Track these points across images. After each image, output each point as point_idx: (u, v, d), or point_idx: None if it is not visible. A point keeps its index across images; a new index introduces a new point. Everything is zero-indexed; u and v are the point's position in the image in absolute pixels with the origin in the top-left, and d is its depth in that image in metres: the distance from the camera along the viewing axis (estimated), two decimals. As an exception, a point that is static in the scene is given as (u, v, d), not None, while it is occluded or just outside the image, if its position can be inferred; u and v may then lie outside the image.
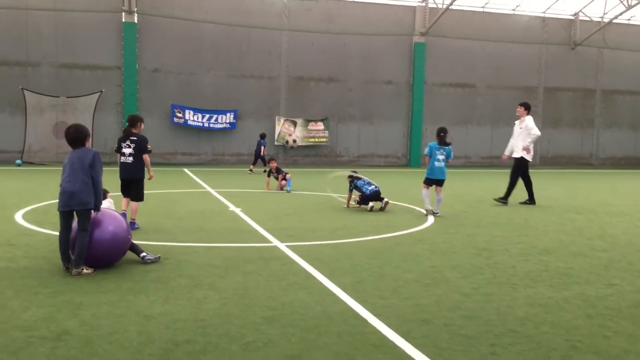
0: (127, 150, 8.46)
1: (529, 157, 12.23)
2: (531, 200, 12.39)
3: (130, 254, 6.43)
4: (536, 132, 12.16)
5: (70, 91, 22.01)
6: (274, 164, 14.61)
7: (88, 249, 5.89)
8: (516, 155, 12.29)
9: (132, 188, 8.52)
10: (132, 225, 8.22)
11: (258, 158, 20.28)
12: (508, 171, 12.89)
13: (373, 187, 11.06)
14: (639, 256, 7.37)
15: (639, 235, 8.95)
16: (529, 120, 12.24)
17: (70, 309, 4.75)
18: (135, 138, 8.49)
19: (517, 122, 12.54)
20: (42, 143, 21.85)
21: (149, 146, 8.57)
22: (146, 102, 22.97)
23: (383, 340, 4.23)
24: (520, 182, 12.42)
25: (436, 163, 10.42)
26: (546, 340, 4.32)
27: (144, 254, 6.37)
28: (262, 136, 20.83)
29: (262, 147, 20.25)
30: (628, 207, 12.37)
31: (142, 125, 8.74)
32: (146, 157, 8.50)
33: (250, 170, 20.02)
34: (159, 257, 6.46)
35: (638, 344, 4.28)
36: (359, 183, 11.27)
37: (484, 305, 5.13)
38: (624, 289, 5.78)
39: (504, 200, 12.25)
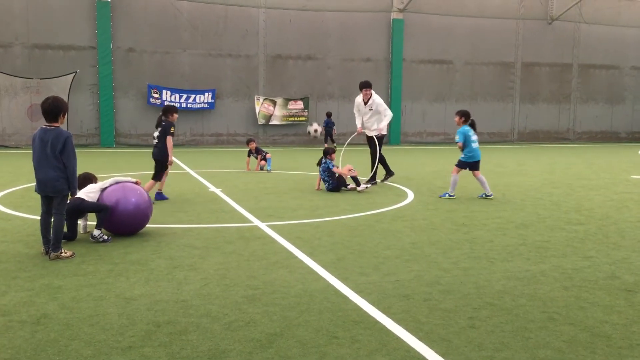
0: (155, 134, 9.52)
1: (384, 131, 11.72)
2: (373, 179, 11.64)
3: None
4: (389, 113, 11.60)
5: (44, 72, 21.57)
6: (253, 145, 14.54)
7: (114, 219, 6.53)
8: (371, 134, 11.60)
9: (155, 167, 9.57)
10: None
11: (329, 136, 22.02)
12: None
13: (327, 184, 10.60)
14: (615, 229, 7.51)
15: (614, 208, 9.11)
16: (377, 99, 11.56)
17: (50, 293, 4.72)
18: (163, 124, 9.42)
19: (361, 101, 11.63)
20: (16, 126, 21.47)
21: (172, 129, 9.41)
22: (122, 83, 22.63)
23: (364, 316, 4.28)
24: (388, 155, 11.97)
25: (474, 145, 9.87)
26: (523, 312, 4.40)
27: (101, 237, 6.48)
28: (329, 115, 22.68)
29: (333, 127, 22.30)
30: (604, 181, 12.56)
31: (175, 115, 9.65)
32: (169, 139, 9.35)
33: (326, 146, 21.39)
34: (108, 241, 6.50)
35: (613, 314, 4.38)
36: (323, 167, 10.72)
37: (463, 279, 5.20)
38: (600, 261, 5.89)
39: (387, 176, 11.87)
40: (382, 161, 11.92)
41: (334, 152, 10.95)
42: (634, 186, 11.70)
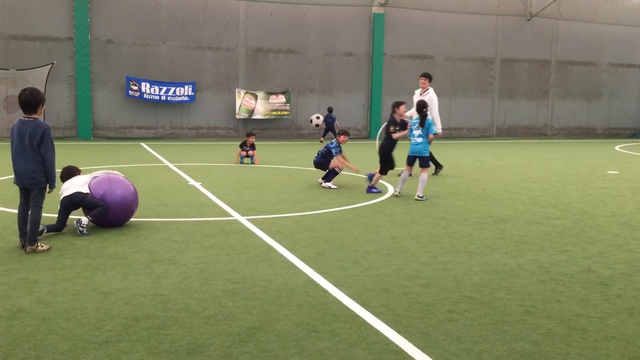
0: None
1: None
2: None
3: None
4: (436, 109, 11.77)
5: (20, 63, 21.21)
6: (253, 139, 14.28)
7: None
8: None
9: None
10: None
11: (329, 131, 22.03)
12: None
13: (316, 157, 10.82)
14: (591, 223, 7.62)
15: (591, 203, 9.23)
16: (432, 92, 11.76)
17: (26, 287, 4.65)
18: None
19: (417, 93, 11.99)
20: (-9, 118, 21.10)
21: (391, 128, 9.82)
22: (100, 74, 22.34)
23: (343, 309, 4.29)
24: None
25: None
26: (501, 305, 4.44)
27: (83, 226, 6.39)
28: (330, 110, 22.71)
29: (335, 122, 22.26)
30: (581, 176, 12.72)
31: (401, 108, 9.96)
32: (396, 136, 9.84)
33: (321, 141, 21.59)
34: (85, 234, 6.42)
35: (589, 307, 4.45)
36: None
37: (442, 273, 5.24)
38: (576, 255, 5.98)
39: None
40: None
41: (347, 134, 10.89)
42: (610, 181, 11.87)
